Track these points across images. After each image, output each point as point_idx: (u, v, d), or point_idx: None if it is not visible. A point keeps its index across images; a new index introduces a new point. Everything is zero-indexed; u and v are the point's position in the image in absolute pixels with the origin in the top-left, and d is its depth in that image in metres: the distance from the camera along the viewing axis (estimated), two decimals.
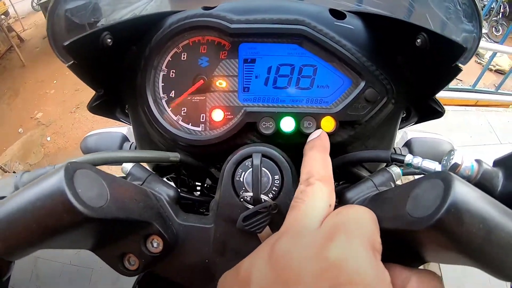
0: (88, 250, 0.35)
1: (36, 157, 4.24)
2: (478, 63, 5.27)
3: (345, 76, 0.45)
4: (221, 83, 0.46)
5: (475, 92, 3.52)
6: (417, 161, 0.38)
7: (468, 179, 0.34)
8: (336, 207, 0.34)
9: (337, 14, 0.45)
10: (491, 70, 4.86)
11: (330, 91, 0.45)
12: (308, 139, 0.39)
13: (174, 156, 0.43)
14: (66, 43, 0.41)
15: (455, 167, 0.34)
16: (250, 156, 0.39)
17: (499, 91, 3.62)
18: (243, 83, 0.45)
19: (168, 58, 0.46)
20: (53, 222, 0.27)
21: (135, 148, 0.69)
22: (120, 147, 0.70)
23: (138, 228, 0.35)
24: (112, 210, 0.29)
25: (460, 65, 0.39)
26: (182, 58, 0.46)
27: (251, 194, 0.37)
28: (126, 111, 0.56)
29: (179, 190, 0.43)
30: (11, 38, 6.52)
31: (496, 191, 0.33)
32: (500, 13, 6.52)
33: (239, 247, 0.38)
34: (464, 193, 0.25)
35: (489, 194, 0.32)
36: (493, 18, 6.36)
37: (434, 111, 0.49)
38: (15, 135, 4.64)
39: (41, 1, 6.86)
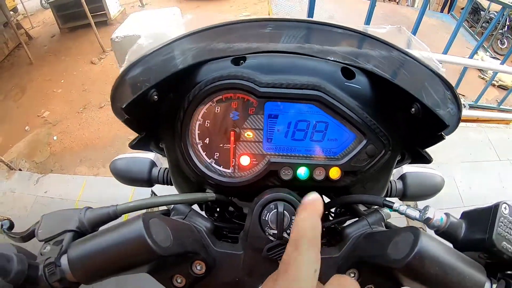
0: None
1: (42, 155, 4.31)
2: (482, 78, 5.30)
3: (351, 132, 0.54)
4: (248, 135, 0.55)
5: (477, 108, 3.61)
6: (402, 208, 0.49)
7: (438, 228, 0.45)
8: (338, 234, 0.44)
9: (348, 73, 0.55)
10: (494, 85, 4.90)
11: (338, 143, 0.55)
12: (304, 199, 0.39)
13: (212, 197, 0.52)
14: (123, 106, 0.50)
15: (428, 220, 0.45)
16: (273, 200, 0.48)
17: (500, 107, 3.72)
18: (267, 135, 0.55)
19: (204, 110, 0.56)
20: (133, 260, 0.38)
21: (163, 174, 0.79)
22: (150, 172, 0.79)
23: (187, 256, 0.45)
24: (175, 247, 0.40)
25: (443, 134, 0.49)
26: (216, 111, 0.55)
27: (275, 231, 0.47)
28: (160, 145, 0.65)
29: (214, 222, 0.52)
30: (20, 35, 6.59)
31: (459, 238, 0.44)
32: (506, 26, 6.58)
33: (264, 270, 0.48)
34: (428, 245, 0.37)
35: (454, 241, 0.45)
36: (499, 31, 6.43)
37: (424, 158, 0.59)
38: (21, 133, 4.70)
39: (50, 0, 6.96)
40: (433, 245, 0.37)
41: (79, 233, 0.46)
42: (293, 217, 0.48)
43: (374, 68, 0.57)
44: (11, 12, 7.12)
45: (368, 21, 2.85)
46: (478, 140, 3.25)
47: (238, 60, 0.56)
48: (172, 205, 0.53)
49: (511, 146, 3.22)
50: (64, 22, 7.02)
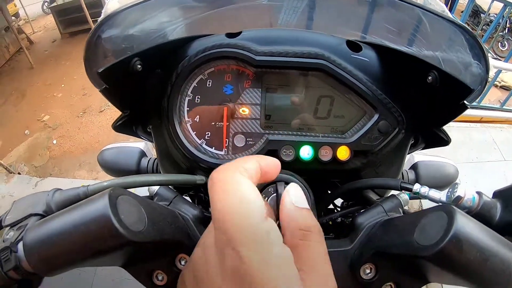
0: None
1: (42, 159, 4.27)
2: None
3: (360, 107, 0.48)
4: (244, 111, 0.49)
5: (480, 108, 3.54)
6: (424, 190, 0.41)
7: (470, 209, 0.37)
8: (347, 227, 0.37)
9: (354, 46, 0.48)
10: (496, 86, 4.86)
11: (345, 121, 0.48)
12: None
13: (200, 179, 0.45)
14: (100, 70, 0.44)
15: (458, 199, 0.37)
16: (272, 183, 0.41)
17: (504, 107, 3.65)
18: (265, 111, 0.48)
19: (194, 84, 0.49)
20: (97, 245, 0.30)
21: (153, 164, 0.72)
22: (139, 162, 0.72)
23: (169, 247, 0.37)
24: (150, 233, 0.32)
25: (466, 103, 0.42)
26: (207, 85, 0.49)
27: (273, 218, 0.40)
28: (148, 129, 0.59)
29: (202, 210, 0.46)
30: (21, 40, 6.59)
31: (494, 220, 0.37)
32: (506, 28, 6.50)
33: None
34: (465, 225, 0.29)
35: (488, 223, 0.36)
36: (499, 33, 6.35)
37: (440, 140, 0.52)
38: (21, 137, 4.67)
39: (52, 5, 6.97)
40: (472, 225, 0.29)
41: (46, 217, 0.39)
42: None
43: (384, 41, 0.51)
44: (13, 17, 7.13)
45: None
46: (482, 140, 3.19)
47: (233, 33, 0.49)
48: (155, 190, 0.46)
49: None
50: (65, 27, 6.99)
